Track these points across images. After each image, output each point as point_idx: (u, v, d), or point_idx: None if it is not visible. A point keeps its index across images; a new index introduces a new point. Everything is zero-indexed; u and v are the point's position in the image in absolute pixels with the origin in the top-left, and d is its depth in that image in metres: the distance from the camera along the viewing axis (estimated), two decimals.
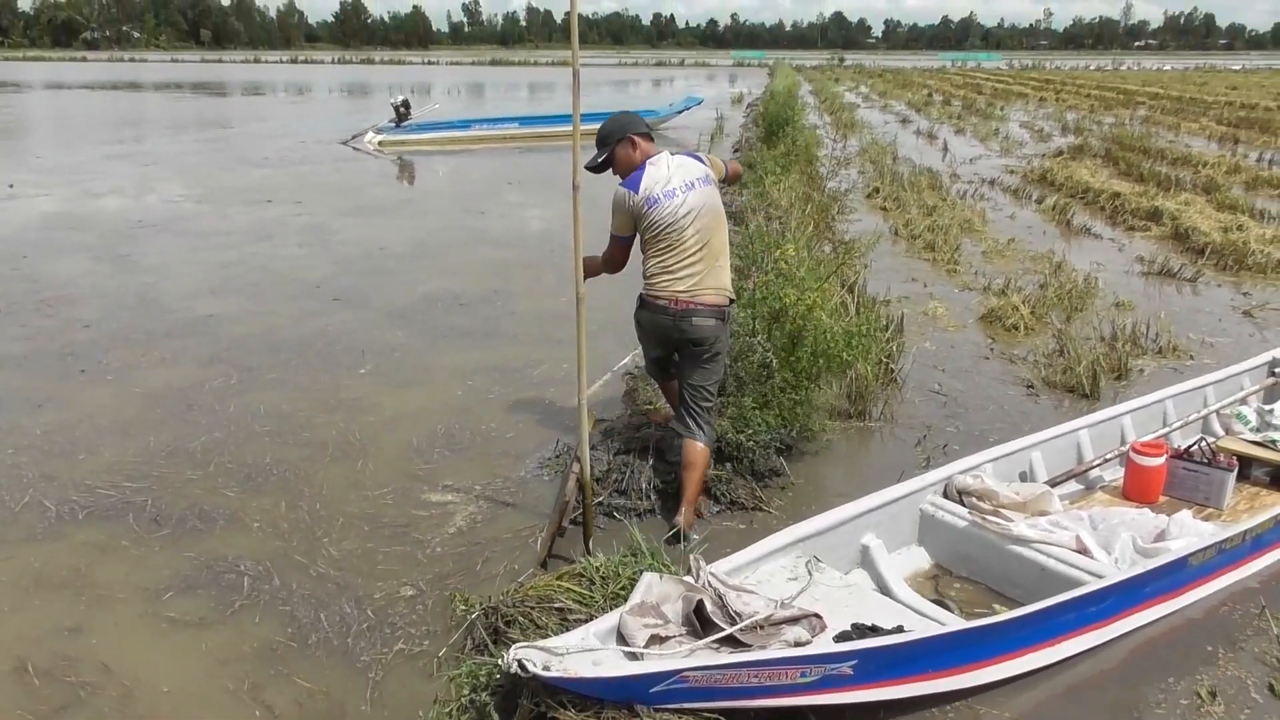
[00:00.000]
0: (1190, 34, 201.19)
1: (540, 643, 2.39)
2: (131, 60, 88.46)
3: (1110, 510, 3.44)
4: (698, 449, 3.63)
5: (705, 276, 3.64)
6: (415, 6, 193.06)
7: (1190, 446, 3.82)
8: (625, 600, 2.68)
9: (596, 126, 3.82)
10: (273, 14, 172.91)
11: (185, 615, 3.07)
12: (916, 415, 4.76)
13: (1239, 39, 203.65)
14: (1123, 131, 18.00)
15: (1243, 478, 3.87)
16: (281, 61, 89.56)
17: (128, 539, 3.53)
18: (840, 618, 2.78)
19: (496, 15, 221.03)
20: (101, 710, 2.65)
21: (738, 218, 8.26)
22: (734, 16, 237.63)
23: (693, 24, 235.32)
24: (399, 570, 3.32)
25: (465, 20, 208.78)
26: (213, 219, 10.03)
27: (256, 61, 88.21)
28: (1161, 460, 3.73)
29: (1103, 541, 3.15)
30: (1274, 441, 4.00)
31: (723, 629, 2.55)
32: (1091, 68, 72.61)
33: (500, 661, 2.36)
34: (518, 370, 5.38)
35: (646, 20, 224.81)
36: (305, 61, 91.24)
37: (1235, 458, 3.82)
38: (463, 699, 2.49)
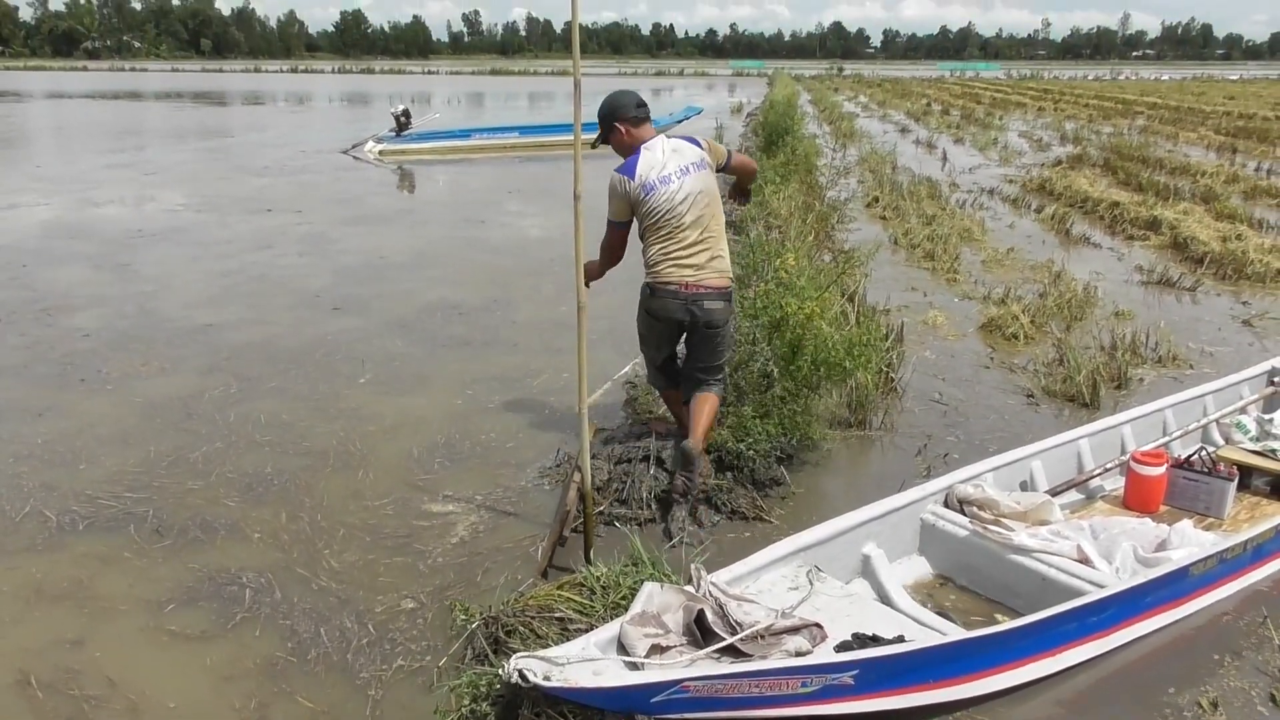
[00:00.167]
0: (1188, 44, 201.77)
1: (541, 652, 2.39)
2: (132, 70, 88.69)
3: (1111, 520, 3.44)
4: (709, 396, 3.72)
5: (708, 260, 3.68)
6: (415, 16, 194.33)
7: (1190, 456, 3.82)
8: (626, 610, 2.67)
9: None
10: (273, 24, 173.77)
11: (187, 628, 3.05)
12: (917, 424, 4.76)
13: (1236, 49, 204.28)
14: (1121, 141, 18.05)
15: (1243, 487, 3.87)
16: (282, 71, 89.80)
17: (129, 550, 3.52)
18: (841, 627, 2.77)
19: (496, 25, 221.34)
20: None
21: (737, 227, 8.28)
22: (733, 26, 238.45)
23: (692, 34, 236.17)
24: (400, 582, 3.31)
25: (465, 30, 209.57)
26: (213, 228, 10.05)
27: (257, 71, 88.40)
28: (1162, 470, 3.73)
29: (1103, 551, 3.15)
30: (1274, 451, 4.00)
31: (724, 639, 2.55)
32: (1090, 77, 72.80)
33: (501, 671, 2.36)
34: (518, 379, 5.38)
35: (646, 30, 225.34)
36: (305, 71, 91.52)
37: (1235, 467, 3.82)
38: (463, 709, 2.49)
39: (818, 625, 2.70)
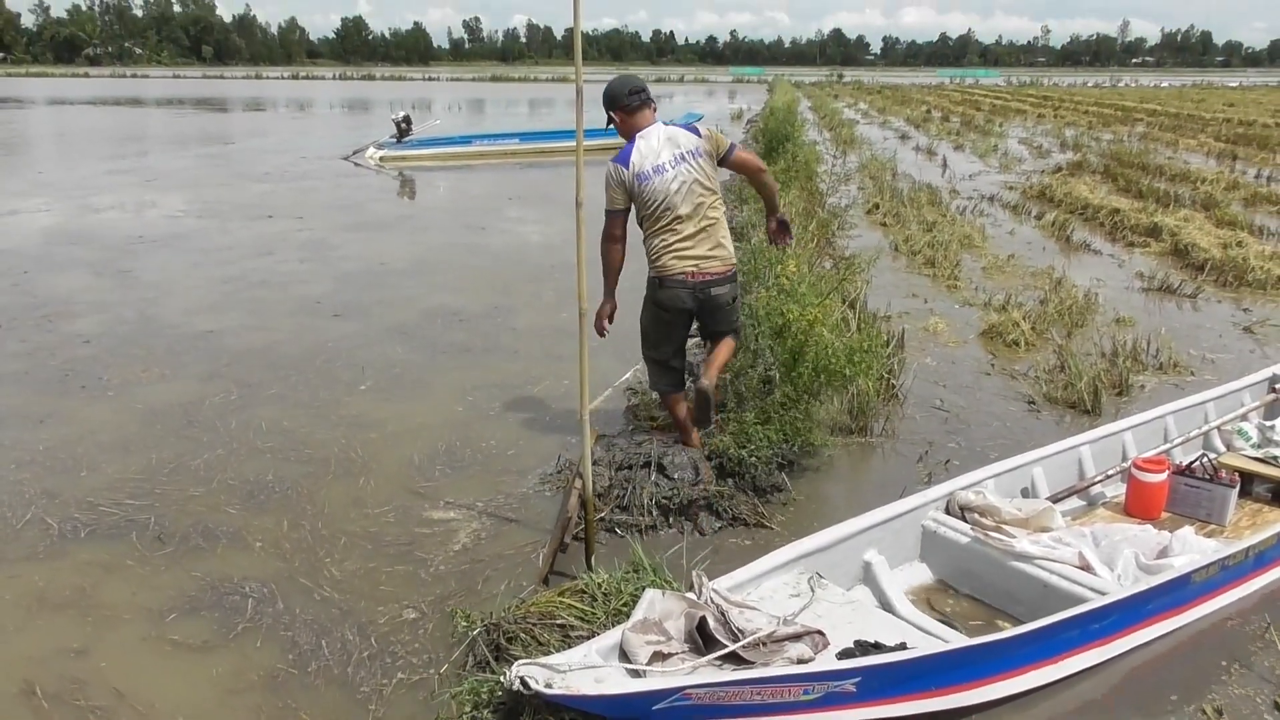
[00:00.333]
0: (1187, 51, 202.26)
1: (542, 660, 2.39)
2: (134, 76, 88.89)
3: (1112, 526, 3.44)
4: (727, 340, 3.93)
5: (710, 249, 3.71)
6: (416, 23, 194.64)
7: (1192, 463, 3.82)
8: (628, 617, 2.67)
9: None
10: (274, 31, 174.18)
11: (189, 638, 3.04)
12: (918, 431, 4.76)
13: (1236, 56, 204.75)
14: (1121, 148, 18.07)
15: (1244, 494, 3.87)
16: (283, 78, 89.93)
17: (131, 558, 3.52)
18: (843, 634, 2.77)
19: (497, 32, 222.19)
20: None
21: (739, 233, 8.29)
22: (733, 33, 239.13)
23: (692, 40, 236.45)
24: (401, 591, 3.30)
25: (466, 37, 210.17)
26: (214, 234, 10.06)
27: (258, 78, 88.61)
28: (1163, 476, 3.73)
29: (1105, 558, 3.15)
30: (1275, 457, 4.00)
31: (725, 646, 2.55)
32: (1089, 85, 72.92)
33: (502, 678, 2.36)
34: (518, 386, 5.38)
35: (646, 37, 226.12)
36: (306, 77, 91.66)
37: (1237, 474, 3.82)
38: (464, 716, 2.48)
39: (819, 632, 2.70)
